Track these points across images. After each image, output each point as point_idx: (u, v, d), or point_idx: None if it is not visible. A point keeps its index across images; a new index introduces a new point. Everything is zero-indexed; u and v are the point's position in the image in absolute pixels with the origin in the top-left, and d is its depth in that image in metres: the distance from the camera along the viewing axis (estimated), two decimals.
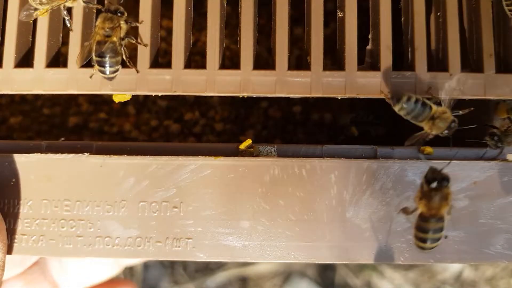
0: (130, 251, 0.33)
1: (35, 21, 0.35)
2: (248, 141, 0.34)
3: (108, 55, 0.32)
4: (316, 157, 0.33)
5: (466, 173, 0.33)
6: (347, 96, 0.33)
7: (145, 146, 0.34)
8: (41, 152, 0.34)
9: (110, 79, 0.33)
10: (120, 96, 0.34)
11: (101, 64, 0.32)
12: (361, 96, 0.33)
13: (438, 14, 0.35)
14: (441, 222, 0.30)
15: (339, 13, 0.34)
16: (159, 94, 0.33)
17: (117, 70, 0.32)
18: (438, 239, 0.30)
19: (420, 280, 0.82)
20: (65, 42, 0.35)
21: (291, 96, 0.33)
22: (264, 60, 0.54)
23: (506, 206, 0.33)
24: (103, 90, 0.33)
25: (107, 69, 0.32)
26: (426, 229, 0.30)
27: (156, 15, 0.35)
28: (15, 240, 0.33)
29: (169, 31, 0.52)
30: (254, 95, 0.33)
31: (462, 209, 0.33)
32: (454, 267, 0.83)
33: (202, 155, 0.33)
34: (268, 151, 0.34)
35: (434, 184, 0.30)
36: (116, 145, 0.34)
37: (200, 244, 0.33)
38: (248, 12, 0.34)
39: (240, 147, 0.34)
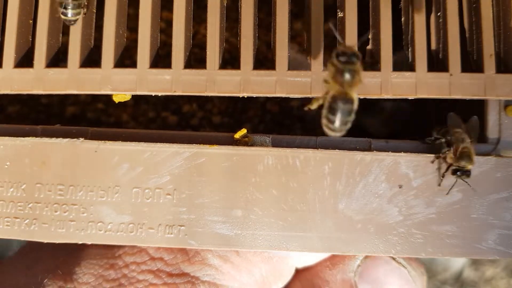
0: (123, 236, 0.33)
1: (34, 21, 0.35)
2: (243, 131, 0.34)
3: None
4: (310, 148, 0.34)
5: None
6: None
7: (140, 133, 0.35)
8: (36, 136, 0.34)
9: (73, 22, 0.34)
10: (120, 96, 0.34)
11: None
12: (361, 96, 0.33)
13: (438, 14, 0.35)
14: (351, 103, 0.29)
15: (339, 13, 0.34)
16: (159, 94, 0.33)
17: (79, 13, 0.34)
18: (347, 123, 0.29)
19: None
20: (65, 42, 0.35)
21: (291, 96, 0.33)
22: (263, 55, 0.54)
23: (499, 202, 0.33)
24: (102, 90, 0.33)
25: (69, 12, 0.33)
26: (335, 109, 0.29)
27: (156, 16, 0.35)
28: (8, 223, 0.33)
29: (168, 23, 0.53)
30: (254, 95, 0.33)
31: (455, 204, 0.33)
32: (454, 267, 0.83)
33: (197, 144, 0.33)
34: (262, 141, 0.34)
35: (343, 58, 0.28)
36: (111, 132, 0.34)
37: (193, 232, 0.33)
38: (248, 12, 0.34)
39: (235, 136, 0.34)
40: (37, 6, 0.35)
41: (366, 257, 0.38)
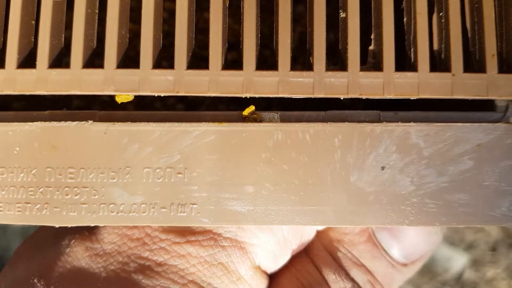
0: (135, 217, 0.33)
1: (37, 21, 0.35)
2: (251, 108, 0.34)
3: None
4: (319, 122, 0.33)
5: (470, 135, 0.33)
6: (350, 96, 0.33)
7: (148, 114, 0.34)
8: (45, 121, 0.34)
9: None
10: (123, 97, 0.34)
11: None
12: (364, 97, 0.33)
13: (441, 14, 0.34)
14: None
15: (341, 14, 0.34)
16: (162, 94, 0.33)
17: None
18: None
19: (421, 281, 0.82)
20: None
21: (294, 96, 0.33)
22: (264, 38, 0.54)
23: (510, 168, 0.33)
24: (105, 91, 0.33)
25: None
26: None
27: (158, 16, 0.35)
28: (19, 209, 0.33)
29: (171, 13, 0.53)
30: (257, 95, 0.33)
31: (467, 172, 0.33)
32: (454, 268, 0.83)
33: (206, 122, 0.33)
34: (271, 117, 0.34)
35: None
36: (119, 114, 0.34)
37: (205, 210, 0.33)
38: (251, 13, 0.34)
39: (243, 113, 0.34)
40: (39, 6, 0.34)
41: None
